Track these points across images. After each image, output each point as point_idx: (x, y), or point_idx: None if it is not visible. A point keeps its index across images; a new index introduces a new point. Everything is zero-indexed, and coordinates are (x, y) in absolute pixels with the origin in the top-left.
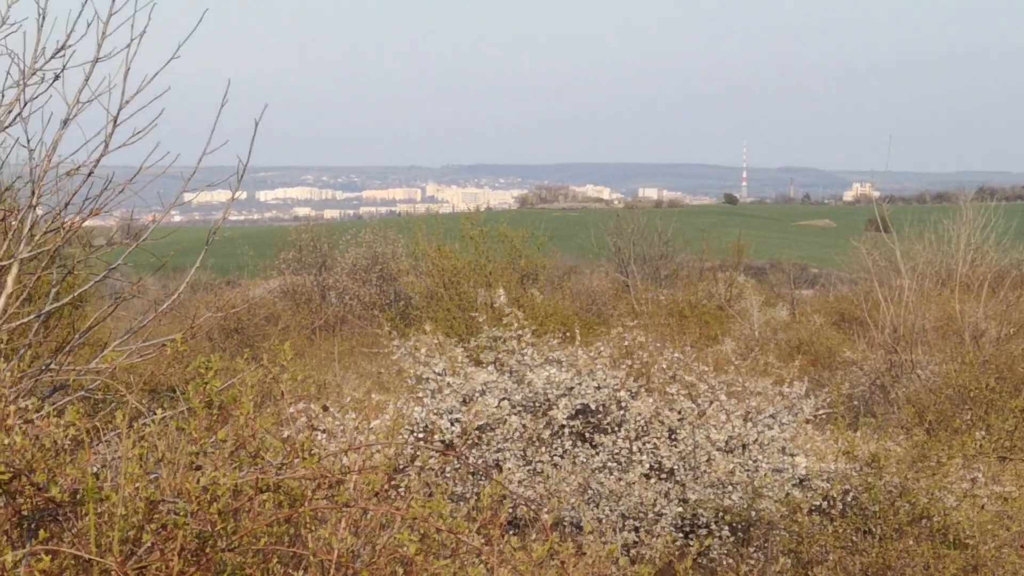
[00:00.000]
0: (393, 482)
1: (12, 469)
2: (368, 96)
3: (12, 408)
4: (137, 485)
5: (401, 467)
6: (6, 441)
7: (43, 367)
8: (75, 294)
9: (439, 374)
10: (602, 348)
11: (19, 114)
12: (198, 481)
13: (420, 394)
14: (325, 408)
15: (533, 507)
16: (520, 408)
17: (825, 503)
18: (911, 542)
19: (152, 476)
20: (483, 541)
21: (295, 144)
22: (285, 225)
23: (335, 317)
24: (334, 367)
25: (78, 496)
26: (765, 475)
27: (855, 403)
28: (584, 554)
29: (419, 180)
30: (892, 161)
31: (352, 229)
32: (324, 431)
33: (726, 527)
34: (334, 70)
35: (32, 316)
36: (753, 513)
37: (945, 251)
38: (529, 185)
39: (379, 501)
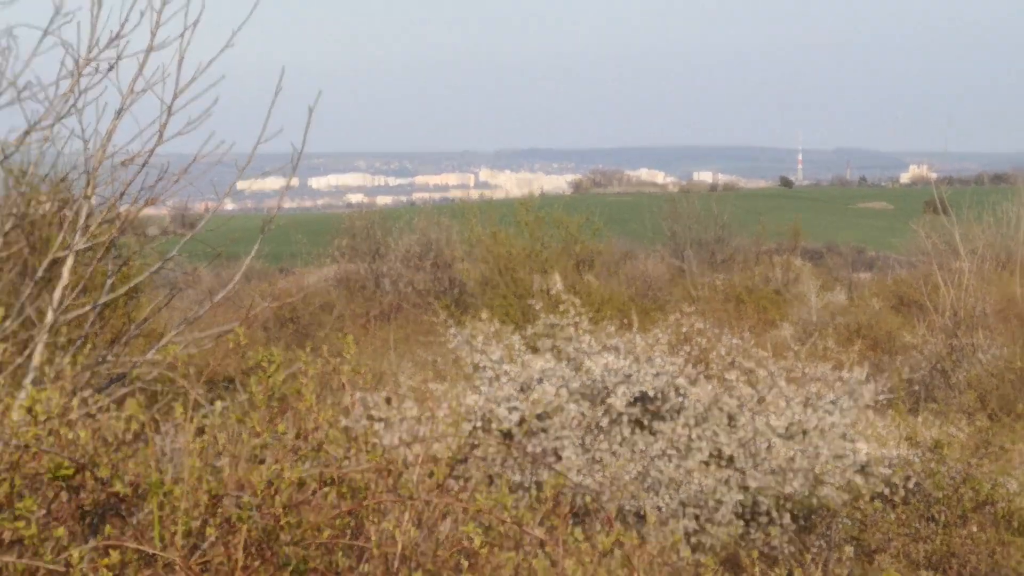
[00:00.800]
0: (454, 473)
1: (76, 464)
2: (421, 81)
3: (75, 402)
4: (199, 478)
5: (462, 458)
6: (70, 436)
7: (100, 358)
8: (131, 284)
9: (496, 362)
10: (660, 334)
11: (74, 105)
12: (262, 474)
13: (477, 382)
14: (388, 401)
15: (593, 496)
16: (578, 396)
17: (887, 490)
18: (975, 528)
19: (213, 468)
20: (546, 532)
21: (347, 130)
22: (338, 212)
23: (390, 305)
24: (389, 355)
25: (140, 490)
26: (826, 462)
27: (916, 388)
28: (646, 543)
29: (472, 165)
30: (950, 142)
31: (405, 215)
32: (382, 421)
33: (787, 514)
34: (386, 56)
35: (88, 307)
36: (815, 500)
37: (1005, 233)
38: (583, 169)
39: (442, 493)
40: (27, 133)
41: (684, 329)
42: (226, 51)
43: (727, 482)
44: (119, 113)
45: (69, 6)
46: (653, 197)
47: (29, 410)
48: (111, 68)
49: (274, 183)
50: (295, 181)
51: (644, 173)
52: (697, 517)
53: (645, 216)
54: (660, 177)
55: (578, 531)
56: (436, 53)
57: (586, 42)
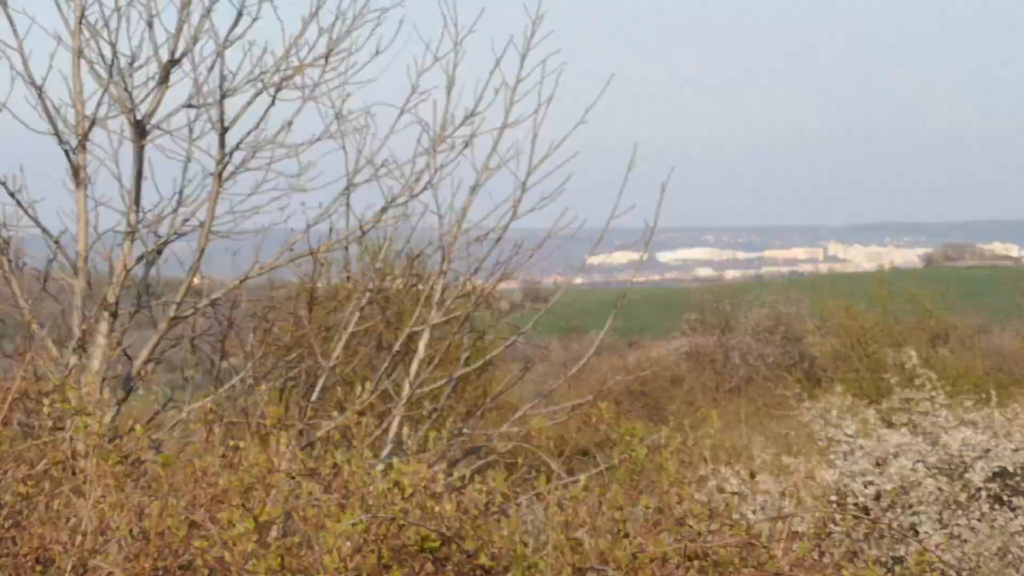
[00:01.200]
0: (818, 549)
1: (442, 536)
2: (769, 155)
3: (441, 476)
4: (562, 551)
5: (827, 533)
6: (436, 509)
7: (456, 431)
8: (486, 358)
9: (851, 436)
10: (1019, 409)
11: (429, 182)
12: (625, 548)
13: (831, 456)
14: (752, 475)
15: (955, 572)
16: (935, 470)
17: None
18: None
19: (575, 540)
20: None
21: (695, 204)
22: (685, 286)
23: (740, 378)
24: (741, 429)
25: (503, 562)
26: None
27: None
28: None
29: (821, 239)
30: None
31: (754, 290)
32: (736, 494)
33: None
34: (734, 131)
35: (444, 380)
36: None
37: None
38: (934, 243)
39: (806, 569)
40: (384, 210)
41: None
42: (578, 128)
43: None
44: (474, 189)
45: (424, 84)
46: (1007, 271)
47: (396, 483)
48: (466, 145)
49: (621, 257)
50: (644, 255)
51: (997, 246)
52: None
53: (1000, 290)
54: (1014, 250)
55: None
56: (784, 128)
57: (932, 115)
